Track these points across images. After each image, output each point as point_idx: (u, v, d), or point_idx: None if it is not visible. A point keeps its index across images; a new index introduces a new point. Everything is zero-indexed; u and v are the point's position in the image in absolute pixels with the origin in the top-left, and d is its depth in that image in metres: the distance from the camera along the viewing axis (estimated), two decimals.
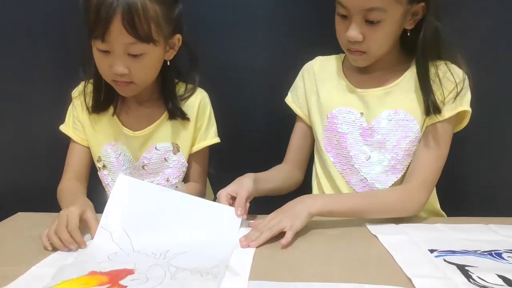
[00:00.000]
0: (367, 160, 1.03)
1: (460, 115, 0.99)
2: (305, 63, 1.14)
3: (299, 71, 1.15)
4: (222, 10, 1.25)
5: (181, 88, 1.11)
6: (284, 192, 1.07)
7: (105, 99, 1.08)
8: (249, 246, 0.82)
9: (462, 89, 0.96)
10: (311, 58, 1.14)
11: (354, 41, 0.95)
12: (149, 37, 0.94)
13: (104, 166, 1.11)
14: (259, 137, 1.30)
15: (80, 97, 1.10)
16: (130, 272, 0.71)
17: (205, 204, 0.91)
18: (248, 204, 0.92)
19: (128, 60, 0.96)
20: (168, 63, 1.05)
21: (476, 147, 1.22)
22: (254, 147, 1.29)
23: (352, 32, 0.94)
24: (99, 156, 1.11)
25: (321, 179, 1.11)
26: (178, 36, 1.04)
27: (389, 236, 0.87)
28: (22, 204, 1.04)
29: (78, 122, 1.10)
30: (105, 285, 0.66)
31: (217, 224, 0.87)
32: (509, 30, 1.19)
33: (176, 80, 1.11)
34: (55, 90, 1.14)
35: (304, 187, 1.15)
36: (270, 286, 0.67)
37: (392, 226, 0.92)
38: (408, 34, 0.97)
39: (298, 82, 1.14)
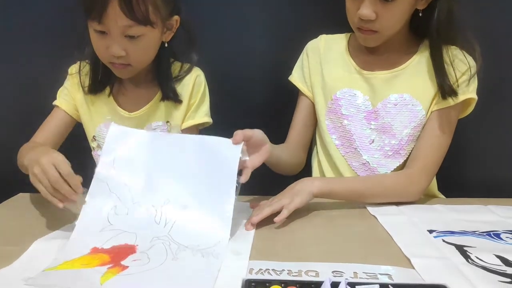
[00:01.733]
0: (370, 144, 1.03)
1: (466, 102, 0.98)
2: (306, 43, 1.12)
3: (299, 50, 1.13)
4: None
5: (176, 68, 1.10)
6: (288, 172, 1.06)
7: (102, 80, 1.07)
8: (251, 223, 0.82)
9: (474, 74, 0.95)
10: (312, 37, 1.12)
11: (367, 19, 0.92)
12: (147, 20, 0.93)
13: (98, 146, 1.10)
14: (258, 118, 1.28)
15: (76, 75, 1.09)
16: (131, 249, 0.71)
17: (202, 140, 0.86)
18: (249, 172, 0.83)
19: (125, 42, 0.94)
20: (166, 45, 1.03)
21: (476, 129, 1.22)
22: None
23: (365, 10, 0.91)
24: (93, 136, 1.10)
25: (322, 162, 1.10)
26: (176, 17, 1.02)
27: (389, 217, 0.88)
28: (23, 185, 1.04)
29: (69, 95, 1.09)
30: (107, 265, 0.67)
31: (216, 158, 0.82)
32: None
33: (172, 59, 1.10)
34: (57, 69, 1.12)
35: (304, 170, 1.14)
36: (270, 266, 0.68)
37: (391, 207, 0.93)
38: (420, 14, 0.95)
39: (303, 60, 1.11)
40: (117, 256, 0.70)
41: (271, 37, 1.25)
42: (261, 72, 1.27)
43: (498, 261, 0.70)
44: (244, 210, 0.90)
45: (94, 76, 1.06)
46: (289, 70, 1.14)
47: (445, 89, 0.94)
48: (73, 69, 1.11)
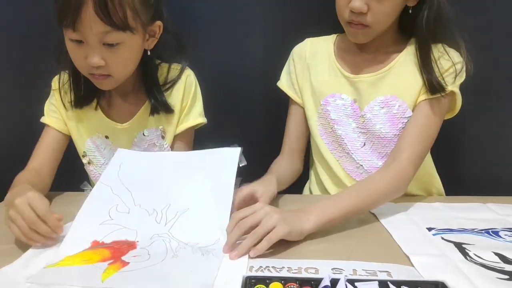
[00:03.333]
0: (362, 147, 1.02)
1: (452, 100, 0.98)
2: (295, 45, 1.11)
3: (288, 53, 1.12)
4: None
5: (164, 71, 1.05)
6: (287, 184, 1.03)
7: (86, 93, 1.01)
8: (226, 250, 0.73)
9: (460, 70, 0.95)
10: (301, 39, 1.11)
11: (358, 12, 0.91)
12: (125, 25, 0.86)
13: (89, 162, 1.07)
14: (252, 122, 1.26)
15: (58, 90, 1.03)
16: (132, 245, 0.72)
17: (202, 154, 0.89)
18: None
19: (103, 50, 0.88)
20: (149, 53, 0.98)
21: (475, 128, 1.22)
22: (248, 134, 1.19)
23: (357, 2, 0.90)
24: (84, 151, 1.07)
25: (318, 167, 1.09)
26: (159, 22, 0.97)
27: (388, 215, 0.88)
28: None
29: (57, 111, 1.04)
30: (107, 260, 0.68)
31: (215, 167, 0.84)
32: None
33: (159, 61, 1.05)
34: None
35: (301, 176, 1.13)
36: (270, 263, 0.69)
37: (391, 205, 0.93)
38: (410, 11, 0.95)
39: (290, 66, 1.11)
40: (117, 251, 0.70)
41: (268, 37, 1.23)
42: (257, 73, 1.25)
43: (497, 258, 0.71)
44: None
45: (77, 89, 1.01)
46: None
47: (433, 83, 0.93)
48: (56, 82, 1.05)
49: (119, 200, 0.80)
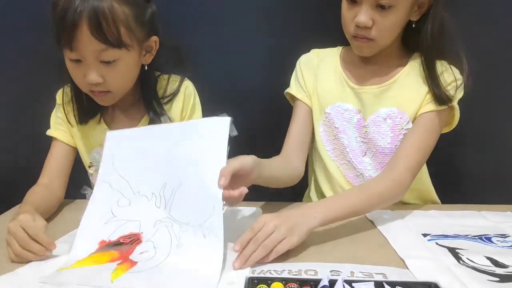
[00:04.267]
0: (363, 156, 1.05)
1: (451, 115, 1.01)
2: (299, 56, 1.14)
3: (293, 63, 1.14)
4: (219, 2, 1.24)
5: (163, 83, 1.07)
6: (283, 186, 1.02)
7: (89, 108, 1.04)
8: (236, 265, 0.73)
9: (460, 85, 0.98)
10: (307, 51, 1.14)
11: (363, 26, 0.94)
12: (120, 42, 0.90)
13: (96, 171, 1.07)
14: (253, 130, 1.24)
15: (62, 106, 1.07)
16: (137, 239, 0.75)
17: (190, 124, 0.89)
18: (246, 190, 0.80)
19: (101, 67, 0.92)
20: (146, 68, 1.01)
21: (473, 138, 1.25)
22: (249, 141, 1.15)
23: (362, 17, 0.93)
24: (90, 162, 1.09)
25: (318, 173, 1.12)
26: (155, 38, 1.00)
27: (385, 222, 0.92)
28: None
29: (63, 124, 1.07)
30: (116, 261, 0.71)
31: (206, 137, 0.83)
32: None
33: (158, 73, 1.08)
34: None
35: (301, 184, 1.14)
36: (272, 267, 0.72)
37: (387, 212, 0.97)
38: (413, 25, 0.98)
39: (297, 74, 1.13)
40: (125, 252, 0.74)
41: (273, 49, 1.26)
42: (261, 84, 1.28)
43: (488, 262, 0.74)
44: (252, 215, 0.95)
45: (80, 106, 1.04)
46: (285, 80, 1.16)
47: (442, 96, 0.96)
48: (60, 97, 1.08)
49: (119, 194, 0.82)
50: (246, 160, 0.82)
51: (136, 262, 0.71)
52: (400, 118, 1.01)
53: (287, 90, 1.14)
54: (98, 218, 0.80)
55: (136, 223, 0.78)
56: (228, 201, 0.77)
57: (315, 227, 0.80)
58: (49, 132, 1.08)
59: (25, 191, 0.96)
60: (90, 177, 1.12)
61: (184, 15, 1.22)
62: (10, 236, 0.76)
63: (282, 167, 1.01)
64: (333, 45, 1.13)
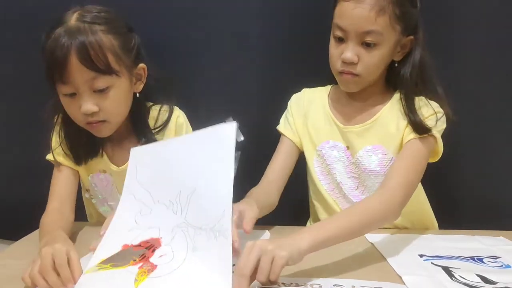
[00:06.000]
0: (356, 189, 1.11)
1: (435, 151, 1.04)
2: (292, 91, 1.20)
3: (286, 98, 1.20)
4: (214, 35, 1.27)
5: (154, 114, 1.10)
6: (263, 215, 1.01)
7: (87, 149, 1.07)
8: None
9: (441, 117, 1.03)
10: (298, 86, 1.19)
11: (350, 62, 1.00)
12: (109, 68, 0.94)
13: (90, 196, 1.14)
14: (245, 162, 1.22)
15: (59, 145, 1.08)
16: (157, 243, 0.82)
17: (199, 134, 0.92)
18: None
19: (95, 97, 0.95)
20: (138, 95, 1.05)
21: (470, 160, 1.29)
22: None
23: (348, 53, 0.99)
24: (87, 188, 1.14)
25: (317, 207, 1.17)
26: (142, 65, 1.04)
27: (384, 243, 0.98)
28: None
29: (62, 146, 1.08)
30: (137, 264, 0.78)
31: (214, 145, 0.86)
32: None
33: (150, 103, 1.11)
34: None
35: (304, 206, 1.21)
36: (279, 280, 0.76)
37: (386, 235, 1.03)
38: (396, 65, 1.06)
39: (288, 113, 1.18)
40: (146, 255, 0.80)
41: (266, 91, 1.29)
42: (249, 116, 1.19)
43: (479, 279, 0.80)
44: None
45: (77, 147, 1.07)
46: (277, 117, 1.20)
47: (419, 125, 1.01)
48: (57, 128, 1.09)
49: (141, 204, 0.88)
50: (257, 212, 0.91)
51: (156, 266, 0.77)
52: (384, 154, 1.07)
53: (278, 127, 1.19)
54: (123, 226, 0.87)
55: (156, 229, 0.85)
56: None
57: (305, 248, 0.77)
58: (52, 157, 1.08)
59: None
60: (83, 198, 1.16)
61: (172, 46, 1.26)
62: (39, 260, 0.76)
63: (264, 195, 1.05)
64: (324, 84, 1.19)
